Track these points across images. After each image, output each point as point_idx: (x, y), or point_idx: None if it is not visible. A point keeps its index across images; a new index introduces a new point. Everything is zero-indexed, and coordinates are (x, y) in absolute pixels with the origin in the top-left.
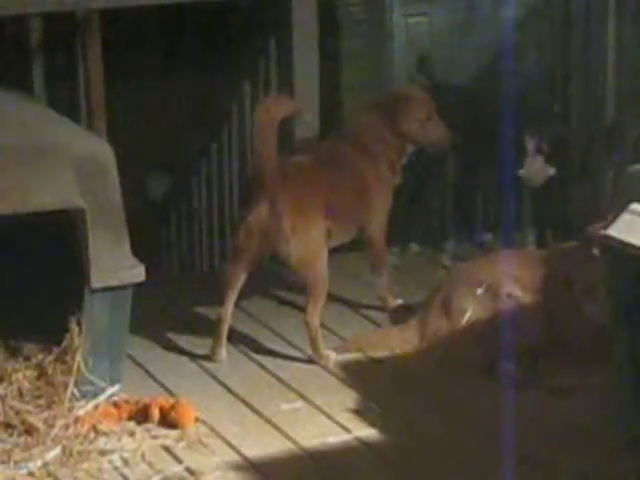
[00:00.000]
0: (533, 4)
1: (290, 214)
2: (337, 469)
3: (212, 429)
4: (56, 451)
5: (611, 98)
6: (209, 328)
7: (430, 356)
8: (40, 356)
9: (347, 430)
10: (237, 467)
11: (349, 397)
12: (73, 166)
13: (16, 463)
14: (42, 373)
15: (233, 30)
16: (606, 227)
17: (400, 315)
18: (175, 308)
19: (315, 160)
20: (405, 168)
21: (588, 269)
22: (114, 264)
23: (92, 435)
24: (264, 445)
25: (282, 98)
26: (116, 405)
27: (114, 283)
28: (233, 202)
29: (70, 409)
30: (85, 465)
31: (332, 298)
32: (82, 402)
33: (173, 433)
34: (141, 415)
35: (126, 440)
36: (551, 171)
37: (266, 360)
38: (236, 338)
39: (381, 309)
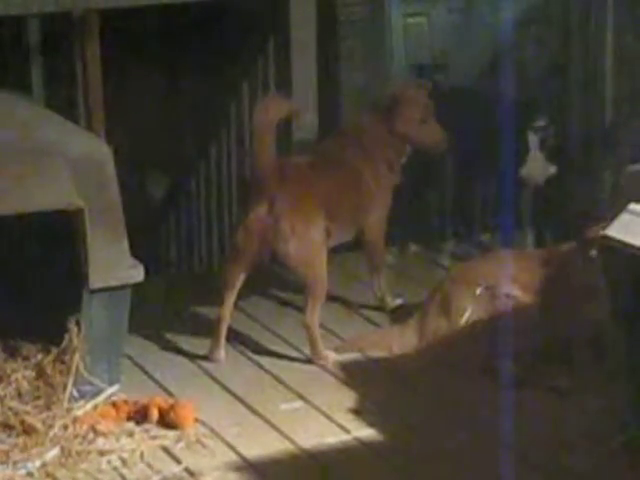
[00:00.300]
0: (532, 4)
1: (289, 214)
2: (336, 469)
3: (211, 429)
4: (55, 451)
5: (609, 99)
6: (208, 328)
7: (429, 356)
8: (39, 356)
9: (346, 430)
10: (236, 467)
11: (348, 397)
12: (71, 166)
13: (15, 463)
14: (41, 373)
15: (232, 30)
16: (605, 227)
17: (399, 315)
18: (174, 308)
19: (314, 160)
20: (404, 168)
21: (587, 269)
22: (113, 264)
23: (91, 435)
24: (263, 445)
25: (280, 99)
26: (115, 405)
27: (113, 283)
28: (232, 202)
29: (69, 409)
30: (84, 465)
31: (331, 298)
32: (81, 402)
33: (172, 433)
34: (140, 415)
35: (125, 440)
36: (552, 169)
37: (265, 360)
38: (235, 338)
39: (380, 309)
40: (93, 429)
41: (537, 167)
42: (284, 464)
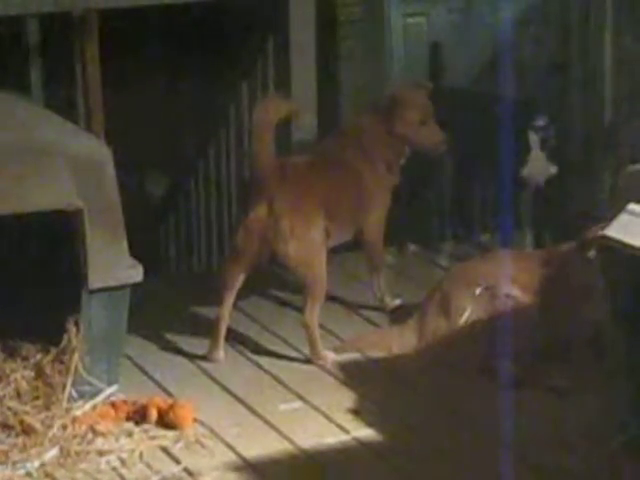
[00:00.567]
0: (532, 4)
1: (289, 215)
2: (335, 469)
3: (210, 430)
4: (54, 451)
5: (609, 99)
6: (207, 329)
7: (428, 356)
8: (38, 356)
9: (345, 430)
10: (235, 468)
11: (347, 397)
12: (71, 166)
13: (14, 464)
14: (40, 373)
15: (231, 30)
16: (604, 228)
17: (398, 315)
18: (173, 308)
19: (313, 160)
20: (403, 168)
21: (586, 270)
22: (112, 264)
23: (90, 436)
24: (262, 445)
25: (280, 99)
26: (114, 406)
27: (112, 283)
28: (231, 202)
29: (68, 410)
30: (83, 465)
31: (330, 298)
32: (80, 403)
33: (171, 434)
34: (139, 416)
35: (124, 441)
36: (553, 169)
37: (264, 360)
38: (234, 338)
39: (379, 309)
40: (92, 429)
41: (538, 167)
42: (283, 464)
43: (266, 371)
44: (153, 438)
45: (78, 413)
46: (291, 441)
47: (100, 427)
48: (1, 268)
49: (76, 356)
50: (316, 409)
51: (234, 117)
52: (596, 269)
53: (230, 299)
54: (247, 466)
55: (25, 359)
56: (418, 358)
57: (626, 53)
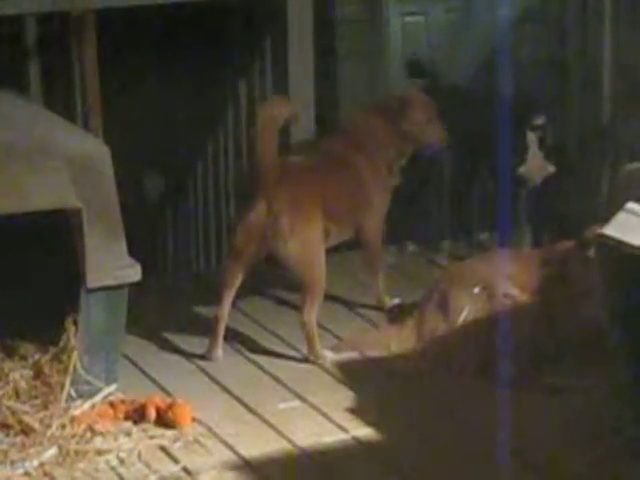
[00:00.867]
0: (530, 3)
1: (288, 214)
2: (334, 468)
3: (209, 429)
4: (52, 451)
5: (607, 98)
6: (205, 328)
7: (427, 355)
8: (36, 356)
9: (344, 429)
10: (234, 467)
11: (346, 396)
12: (69, 166)
13: (12, 463)
14: (38, 373)
15: (228, 29)
16: (602, 226)
17: (397, 315)
18: (171, 307)
19: (313, 160)
20: (403, 168)
21: (584, 269)
22: (110, 263)
23: (88, 435)
24: (261, 445)
25: (285, 101)
26: (112, 405)
27: (110, 283)
28: (229, 202)
29: (66, 409)
30: (82, 465)
31: (328, 297)
32: (78, 402)
33: (169, 433)
34: (137, 415)
35: (122, 440)
36: (551, 169)
37: (263, 359)
38: (232, 337)
39: (378, 308)
40: (91, 428)
41: (536, 166)
42: (282, 463)
43: (265, 370)
44: (152, 437)
45: (77, 412)
46: (290, 440)
47: (99, 426)
48: None
49: (74, 355)
50: (314, 408)
51: (232, 116)
52: (595, 268)
53: (229, 298)
54: (245, 465)
55: (23, 358)
56: (416, 357)
57: (625, 52)
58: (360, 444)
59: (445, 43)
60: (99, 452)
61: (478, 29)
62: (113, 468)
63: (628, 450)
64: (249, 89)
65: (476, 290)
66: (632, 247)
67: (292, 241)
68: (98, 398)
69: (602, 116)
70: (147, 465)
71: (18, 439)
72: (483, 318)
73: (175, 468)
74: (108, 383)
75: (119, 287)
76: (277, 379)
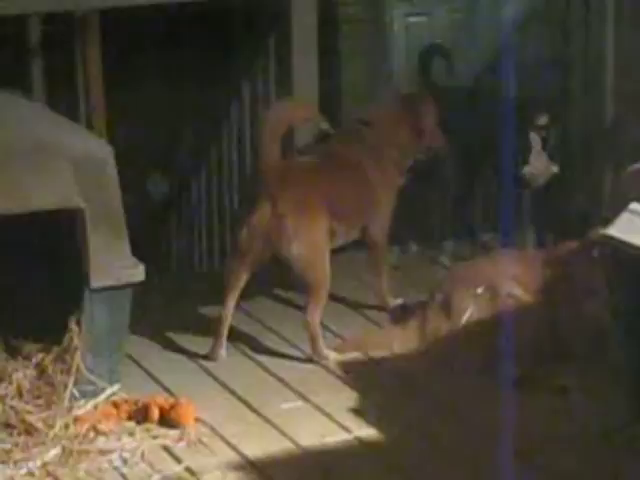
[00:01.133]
0: (533, 3)
1: (292, 214)
2: (337, 469)
3: (212, 429)
4: (56, 451)
5: (610, 99)
6: (209, 328)
7: (430, 356)
8: (40, 356)
9: (347, 430)
10: (237, 467)
11: (349, 397)
12: (72, 166)
13: (16, 463)
14: (42, 373)
15: (232, 30)
16: (606, 227)
17: (400, 315)
18: (175, 307)
19: (319, 160)
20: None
21: (588, 269)
22: (113, 264)
23: (92, 435)
24: (264, 445)
25: (298, 103)
26: (116, 405)
27: (113, 283)
28: (233, 202)
29: (70, 409)
30: (85, 465)
31: (332, 298)
32: (82, 402)
33: (173, 433)
34: (141, 415)
35: (126, 440)
36: (554, 169)
37: (266, 360)
38: (236, 337)
39: (381, 309)
40: (94, 428)
41: (539, 166)
42: (285, 463)
43: (268, 370)
44: (155, 437)
45: (80, 412)
46: (293, 440)
47: (102, 426)
48: (2, 267)
49: (78, 355)
50: (318, 408)
51: (236, 116)
52: (598, 268)
53: (233, 298)
54: (249, 465)
55: (27, 358)
56: (420, 358)
57: (628, 52)
58: (363, 444)
59: (448, 43)
60: (102, 452)
61: (481, 29)
62: (116, 468)
63: (630, 450)
64: (253, 89)
65: (479, 290)
66: (636, 248)
67: (296, 242)
68: (101, 398)
69: (605, 116)
70: (150, 465)
71: (21, 439)
72: (486, 318)
73: (178, 468)
74: (111, 383)
75: (122, 287)
76: (280, 379)
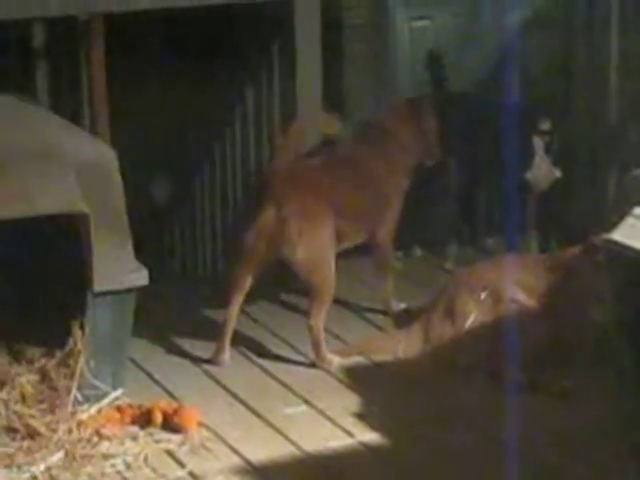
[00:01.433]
0: (537, 8)
1: (296, 218)
2: (340, 473)
3: (215, 433)
4: (59, 455)
5: (614, 103)
6: (212, 332)
7: (434, 360)
8: (43, 360)
9: (350, 434)
10: (240, 471)
11: (352, 401)
12: (77, 170)
13: (19, 467)
14: (45, 377)
15: (236, 34)
16: (609, 231)
17: (404, 319)
18: (178, 312)
19: (325, 163)
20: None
21: (591, 273)
22: (117, 268)
23: (95, 439)
24: (267, 449)
25: (329, 120)
26: (119, 409)
27: (117, 287)
28: (237, 205)
29: (73, 413)
30: (88, 469)
31: (335, 302)
32: (85, 406)
33: (176, 437)
34: (144, 419)
35: (129, 444)
36: (557, 173)
37: (269, 364)
38: (239, 342)
39: (385, 313)
40: (97, 433)
41: (543, 171)
42: (288, 468)
43: (271, 375)
44: (158, 442)
45: (83, 417)
46: (296, 445)
47: (105, 431)
48: (6, 271)
49: (81, 360)
50: (321, 413)
51: (240, 120)
52: (602, 273)
53: (237, 302)
54: (252, 470)
55: (30, 363)
56: (423, 362)
57: (631, 56)
58: (366, 449)
59: (452, 48)
60: (105, 456)
61: (485, 34)
62: (119, 472)
63: (634, 453)
64: (256, 93)
65: (483, 295)
66: (639, 252)
67: (301, 246)
68: (105, 402)
69: (609, 121)
70: (153, 469)
71: (25, 443)
72: (490, 323)
73: (181, 472)
74: (115, 387)
75: (126, 291)
76: (284, 384)
